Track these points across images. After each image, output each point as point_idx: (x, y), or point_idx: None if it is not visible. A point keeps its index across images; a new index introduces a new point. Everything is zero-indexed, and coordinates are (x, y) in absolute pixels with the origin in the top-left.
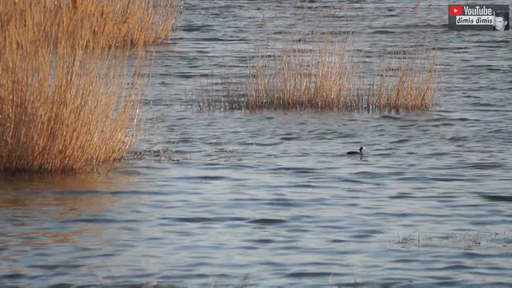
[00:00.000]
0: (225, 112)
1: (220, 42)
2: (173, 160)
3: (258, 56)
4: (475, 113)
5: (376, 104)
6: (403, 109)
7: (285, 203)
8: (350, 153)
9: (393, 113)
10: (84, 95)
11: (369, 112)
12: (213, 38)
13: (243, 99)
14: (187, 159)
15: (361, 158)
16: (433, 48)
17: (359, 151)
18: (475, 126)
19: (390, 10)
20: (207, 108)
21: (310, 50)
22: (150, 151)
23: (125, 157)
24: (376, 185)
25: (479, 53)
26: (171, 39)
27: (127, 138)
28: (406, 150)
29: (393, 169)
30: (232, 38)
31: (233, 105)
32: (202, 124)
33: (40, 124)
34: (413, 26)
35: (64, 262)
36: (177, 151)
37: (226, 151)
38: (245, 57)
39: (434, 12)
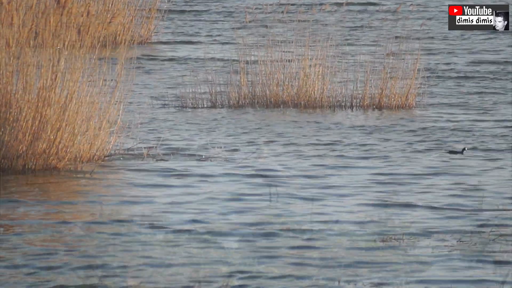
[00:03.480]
0: (208, 109)
1: (203, 43)
2: (156, 159)
3: (241, 61)
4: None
5: (360, 104)
6: (387, 109)
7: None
8: (451, 152)
9: (376, 113)
10: (68, 95)
11: (352, 111)
12: (195, 41)
13: (225, 97)
14: (170, 157)
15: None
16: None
17: (461, 151)
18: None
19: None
20: (191, 107)
21: (293, 51)
22: (133, 150)
23: (110, 157)
24: (338, 196)
25: (466, 54)
26: (154, 40)
27: (111, 138)
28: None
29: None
30: (215, 40)
31: (216, 104)
32: (184, 123)
33: (24, 124)
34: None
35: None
36: (161, 150)
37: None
38: (228, 59)
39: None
